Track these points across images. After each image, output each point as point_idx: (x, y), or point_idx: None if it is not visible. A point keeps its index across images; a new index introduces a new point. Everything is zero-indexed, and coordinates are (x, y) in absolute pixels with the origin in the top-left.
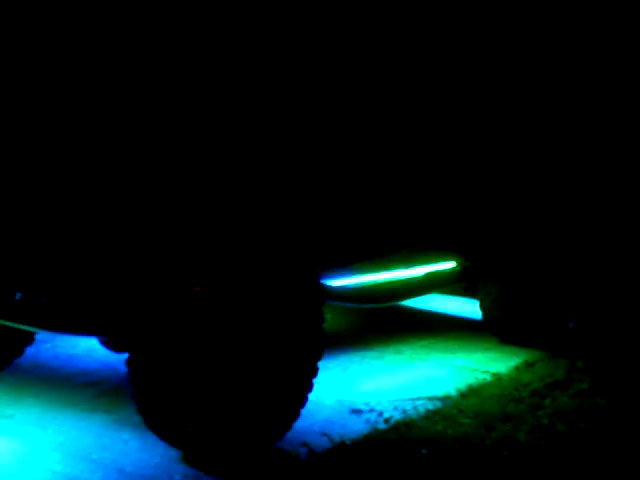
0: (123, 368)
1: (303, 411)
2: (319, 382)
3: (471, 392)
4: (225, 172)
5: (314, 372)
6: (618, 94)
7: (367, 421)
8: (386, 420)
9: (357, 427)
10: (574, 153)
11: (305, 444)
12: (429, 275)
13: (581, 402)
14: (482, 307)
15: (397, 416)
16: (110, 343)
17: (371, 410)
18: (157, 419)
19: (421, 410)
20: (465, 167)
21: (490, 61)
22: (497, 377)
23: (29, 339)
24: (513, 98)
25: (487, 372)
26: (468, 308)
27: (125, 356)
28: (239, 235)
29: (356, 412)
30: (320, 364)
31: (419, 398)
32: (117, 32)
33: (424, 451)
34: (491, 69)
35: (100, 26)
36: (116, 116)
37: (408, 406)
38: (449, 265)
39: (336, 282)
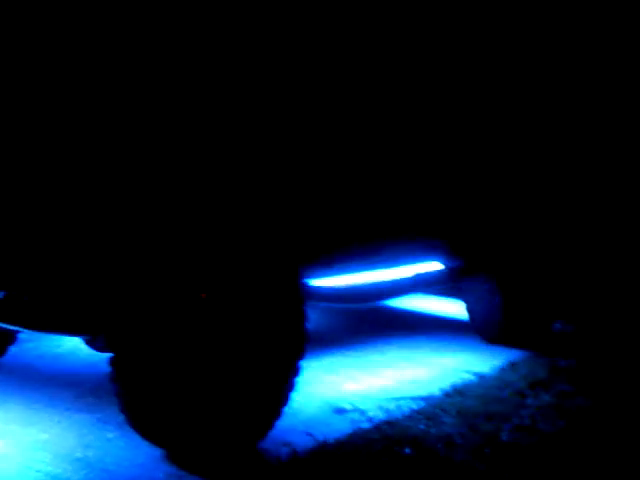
0: (107, 367)
1: (286, 411)
2: (303, 382)
3: (455, 392)
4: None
5: (297, 372)
6: (618, 94)
7: (351, 421)
8: (369, 419)
9: (341, 426)
10: (563, 161)
11: (288, 444)
12: (415, 275)
13: (563, 402)
14: (467, 307)
15: (381, 416)
16: (94, 342)
17: (355, 409)
18: (140, 418)
19: (405, 410)
20: (455, 167)
21: (486, 56)
22: (481, 377)
23: (11, 339)
24: (505, 91)
25: (471, 372)
26: (453, 308)
27: (109, 355)
28: (221, 235)
29: (340, 412)
30: (304, 363)
31: (403, 398)
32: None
33: (407, 450)
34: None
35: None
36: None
37: (392, 406)
38: (435, 265)
39: (320, 282)
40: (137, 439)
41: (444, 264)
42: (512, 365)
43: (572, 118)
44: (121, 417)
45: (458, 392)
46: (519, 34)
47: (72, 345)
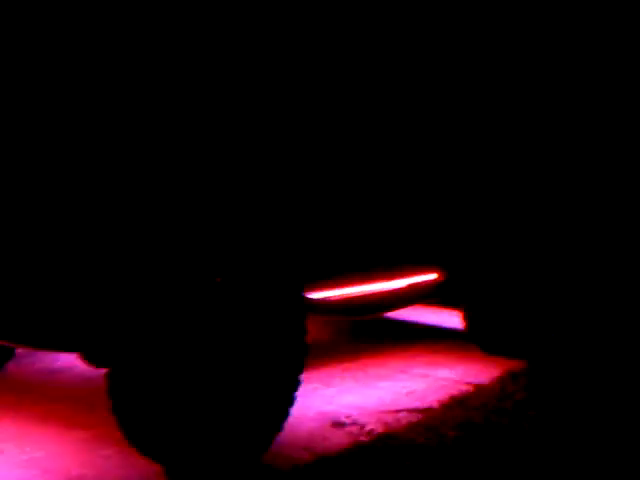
0: (103, 383)
1: (285, 425)
2: (301, 395)
3: (454, 403)
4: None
5: (296, 385)
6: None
7: (349, 434)
8: (368, 433)
9: (339, 440)
10: (552, 168)
11: (288, 458)
12: (412, 287)
13: (563, 411)
14: (465, 318)
15: (379, 428)
16: (90, 358)
17: (353, 423)
18: (138, 434)
19: (404, 422)
20: (447, 180)
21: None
22: (480, 388)
23: (9, 354)
24: (490, 119)
25: (470, 383)
26: (451, 319)
27: (105, 371)
28: (219, 250)
29: (338, 425)
30: (302, 377)
31: (402, 410)
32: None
33: (407, 464)
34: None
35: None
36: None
37: (391, 418)
38: (432, 277)
39: (318, 294)
40: (134, 455)
41: (442, 275)
42: (511, 375)
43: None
44: (118, 433)
45: (458, 404)
46: (516, 42)
47: (68, 360)
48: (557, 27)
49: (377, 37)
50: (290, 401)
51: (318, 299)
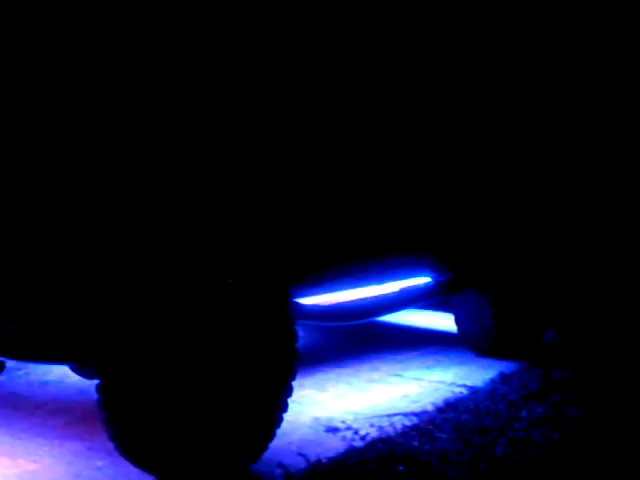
0: (96, 394)
1: (279, 431)
2: (295, 401)
3: (448, 407)
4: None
5: (289, 392)
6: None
7: (343, 439)
8: (362, 437)
9: (333, 445)
10: (545, 175)
11: (281, 465)
12: (403, 291)
13: (556, 413)
14: (457, 321)
15: (374, 433)
16: (82, 369)
17: (347, 428)
18: (130, 444)
19: (398, 426)
20: (441, 181)
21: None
22: (473, 390)
23: None
24: (489, 109)
25: (463, 386)
26: (443, 322)
27: (97, 382)
28: (208, 256)
29: (332, 430)
30: (295, 383)
31: (395, 414)
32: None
33: (401, 468)
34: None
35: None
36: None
37: (385, 423)
38: (423, 280)
39: (309, 300)
40: (127, 466)
41: (434, 278)
42: (504, 377)
43: (561, 135)
44: (110, 444)
45: (451, 407)
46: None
47: (60, 372)
48: (557, 27)
49: (374, 33)
50: (283, 407)
51: (308, 305)
